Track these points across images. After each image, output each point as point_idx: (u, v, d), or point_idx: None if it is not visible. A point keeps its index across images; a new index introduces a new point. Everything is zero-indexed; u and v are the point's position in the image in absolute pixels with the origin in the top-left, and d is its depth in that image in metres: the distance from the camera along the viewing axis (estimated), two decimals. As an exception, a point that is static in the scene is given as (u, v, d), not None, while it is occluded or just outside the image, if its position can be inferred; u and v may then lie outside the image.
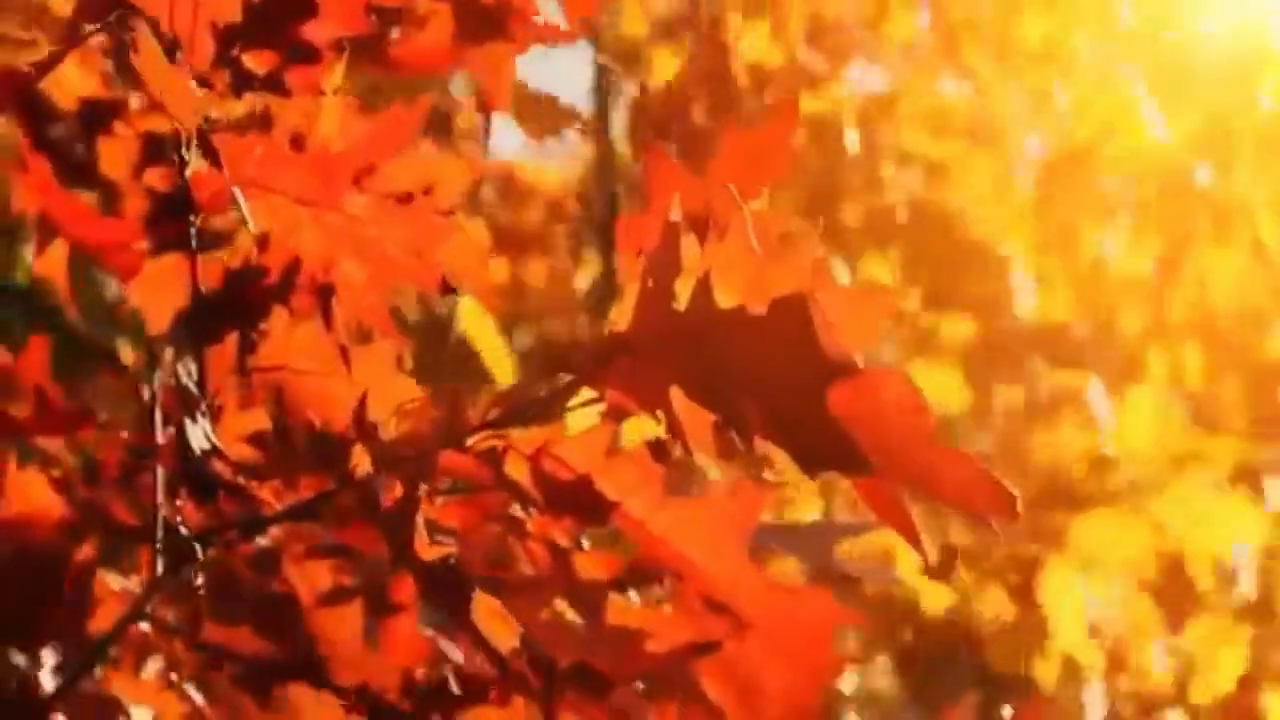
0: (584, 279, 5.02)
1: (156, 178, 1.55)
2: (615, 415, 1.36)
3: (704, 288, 1.14)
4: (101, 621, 1.61)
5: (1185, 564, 4.98)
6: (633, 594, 1.37)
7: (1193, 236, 5.15)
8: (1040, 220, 5.10)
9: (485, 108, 1.78)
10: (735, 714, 1.25)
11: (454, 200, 1.32)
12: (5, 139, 1.68)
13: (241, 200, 1.43)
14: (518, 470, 1.36)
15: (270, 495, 1.54)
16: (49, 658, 1.62)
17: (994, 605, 4.85)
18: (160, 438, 1.58)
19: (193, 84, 1.37)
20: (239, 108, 1.39)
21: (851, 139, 4.75)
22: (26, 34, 1.65)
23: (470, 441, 1.37)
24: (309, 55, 1.33)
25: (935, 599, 4.84)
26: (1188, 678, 4.92)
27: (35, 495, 1.63)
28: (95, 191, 1.58)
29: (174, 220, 1.51)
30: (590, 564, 1.42)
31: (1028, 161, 5.24)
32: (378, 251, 1.34)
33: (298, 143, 1.32)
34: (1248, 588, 5.08)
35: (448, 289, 1.36)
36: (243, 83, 1.41)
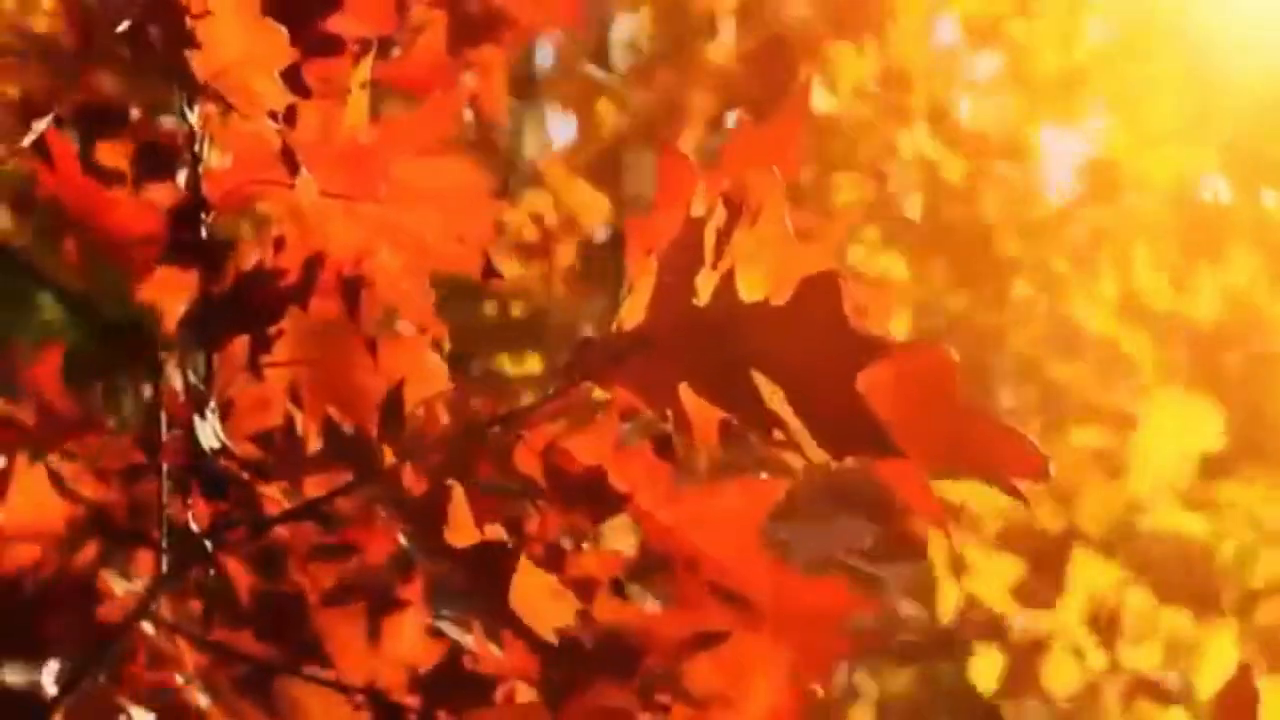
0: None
1: (168, 178, 1.56)
2: (623, 412, 1.37)
3: (728, 280, 1.15)
4: (107, 622, 1.61)
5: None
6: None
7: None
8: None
9: (481, 114, 1.80)
10: (735, 704, 1.26)
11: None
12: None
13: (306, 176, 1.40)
14: (528, 464, 1.37)
15: (278, 494, 1.55)
16: (53, 658, 1.63)
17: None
18: (166, 436, 1.58)
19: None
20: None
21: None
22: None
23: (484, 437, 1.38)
24: (331, 51, 1.34)
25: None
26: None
27: (41, 496, 1.64)
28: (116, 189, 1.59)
29: (187, 218, 1.51)
30: (591, 563, 1.43)
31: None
32: (415, 240, 1.34)
33: (325, 137, 1.33)
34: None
35: (491, 272, 1.36)
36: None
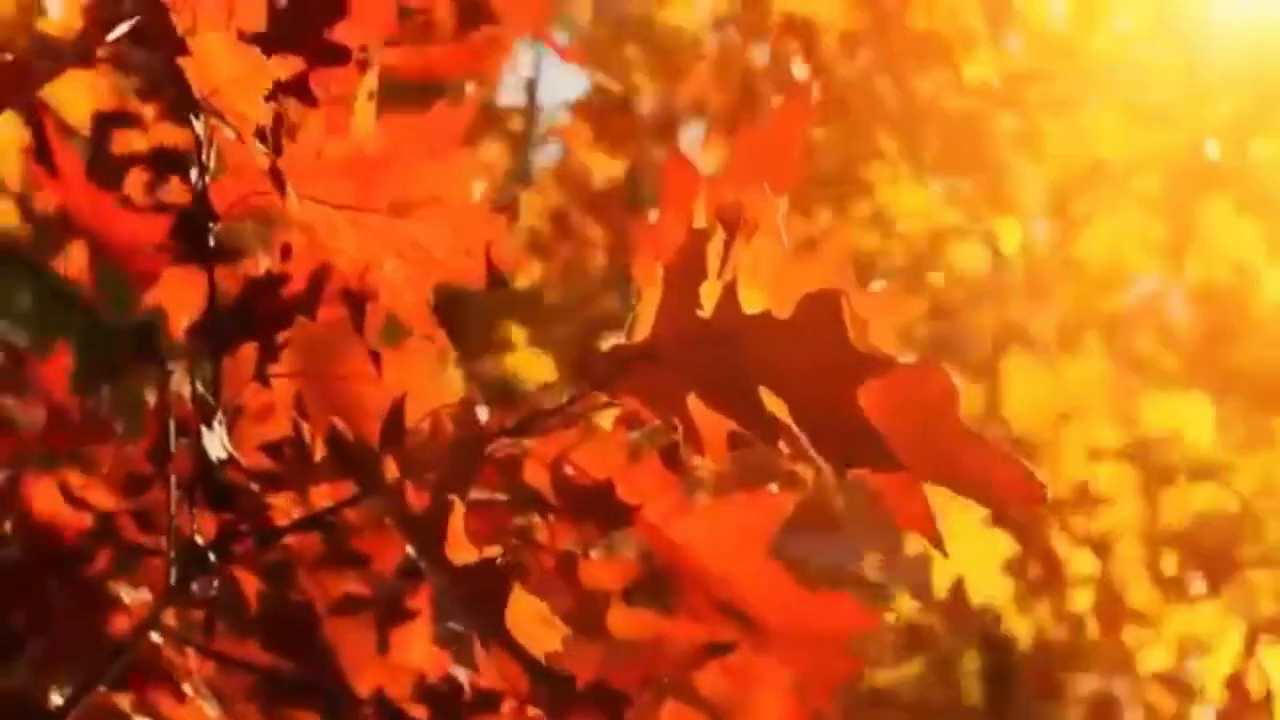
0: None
1: (175, 185, 1.55)
2: (629, 422, 1.37)
3: (730, 292, 1.14)
4: (115, 631, 1.61)
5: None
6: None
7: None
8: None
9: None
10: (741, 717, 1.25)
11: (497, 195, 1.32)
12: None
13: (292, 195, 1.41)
14: (536, 477, 1.37)
15: (286, 504, 1.54)
16: (62, 668, 1.63)
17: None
18: (174, 445, 1.58)
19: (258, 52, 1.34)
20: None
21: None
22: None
23: (489, 449, 1.38)
24: (336, 59, 1.33)
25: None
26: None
27: (51, 505, 1.64)
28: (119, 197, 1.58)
29: (193, 228, 1.51)
30: (600, 573, 1.42)
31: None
32: (422, 251, 1.33)
33: (331, 148, 1.32)
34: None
35: (498, 283, 1.35)
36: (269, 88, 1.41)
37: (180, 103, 1.43)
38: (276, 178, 1.32)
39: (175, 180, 1.59)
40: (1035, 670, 4.90)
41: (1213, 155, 5.21)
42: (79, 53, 1.38)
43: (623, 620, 1.33)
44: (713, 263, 1.15)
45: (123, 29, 1.41)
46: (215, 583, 1.60)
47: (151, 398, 1.54)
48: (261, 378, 1.50)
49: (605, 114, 4.90)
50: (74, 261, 1.64)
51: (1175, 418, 5.03)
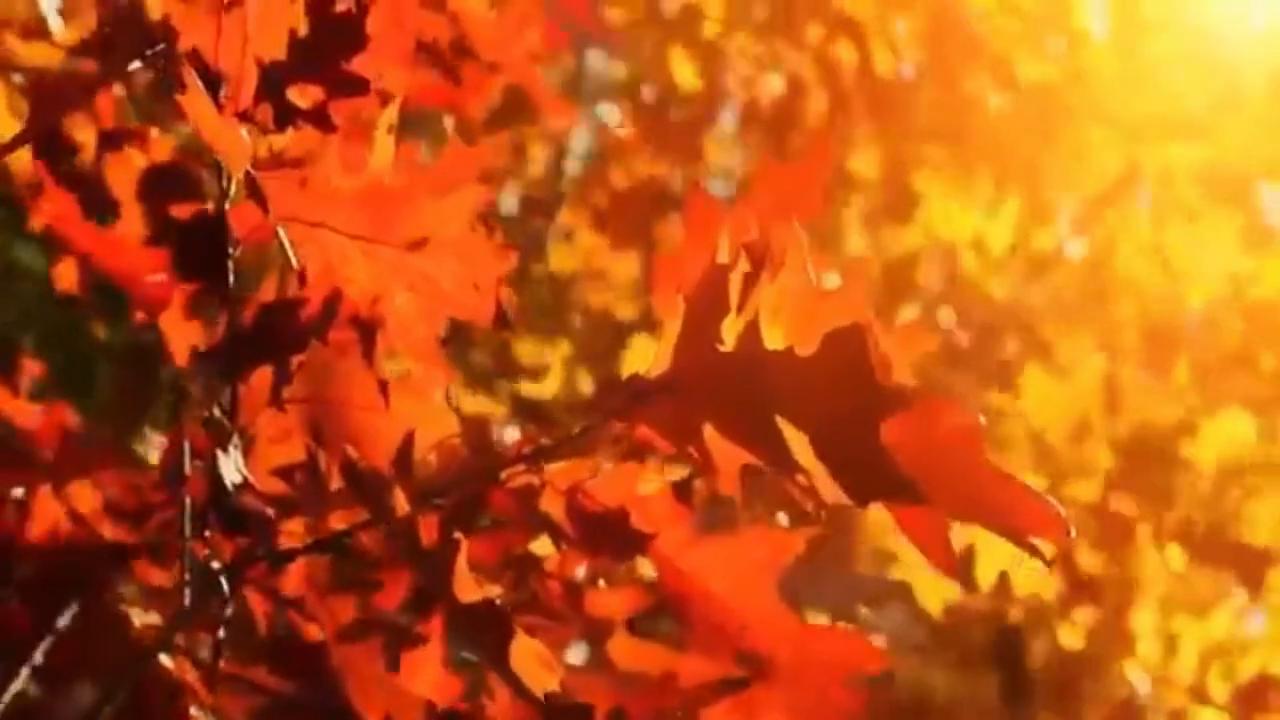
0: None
1: (187, 210, 1.56)
2: (642, 453, 1.37)
3: (753, 327, 1.15)
4: (124, 653, 1.61)
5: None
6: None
7: None
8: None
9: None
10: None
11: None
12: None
13: (284, 235, 1.44)
14: (551, 506, 1.37)
15: (300, 529, 1.55)
16: (74, 688, 1.63)
17: None
18: (189, 469, 1.58)
19: (242, 130, 1.38)
20: (282, 141, 1.40)
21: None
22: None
23: (504, 476, 1.38)
24: (356, 89, 1.34)
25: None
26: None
27: (62, 528, 1.64)
28: (120, 220, 1.59)
29: (209, 251, 1.52)
30: (609, 602, 1.43)
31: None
32: (432, 285, 1.34)
33: (346, 179, 1.33)
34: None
35: (504, 322, 1.36)
36: (287, 117, 1.42)
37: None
38: (259, 199, 1.34)
39: (186, 194, 1.60)
40: (1054, 678, 4.90)
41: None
42: (105, 75, 1.39)
43: (631, 652, 1.33)
44: (735, 297, 1.15)
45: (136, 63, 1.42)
46: (228, 606, 1.60)
47: (150, 423, 1.54)
48: (277, 402, 1.51)
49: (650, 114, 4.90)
50: (63, 279, 1.64)
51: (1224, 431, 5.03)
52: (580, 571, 1.51)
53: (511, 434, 1.44)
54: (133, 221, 1.65)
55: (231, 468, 1.52)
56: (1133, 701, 4.96)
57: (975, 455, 1.08)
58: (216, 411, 1.56)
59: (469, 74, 1.79)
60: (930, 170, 4.65)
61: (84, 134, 1.74)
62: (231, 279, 1.55)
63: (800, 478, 1.14)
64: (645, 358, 1.31)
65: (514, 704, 1.35)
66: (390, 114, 1.31)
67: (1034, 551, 1.09)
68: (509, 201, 4.89)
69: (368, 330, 1.42)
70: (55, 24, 1.99)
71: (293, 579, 1.62)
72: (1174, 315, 5.23)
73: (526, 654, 1.21)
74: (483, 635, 1.23)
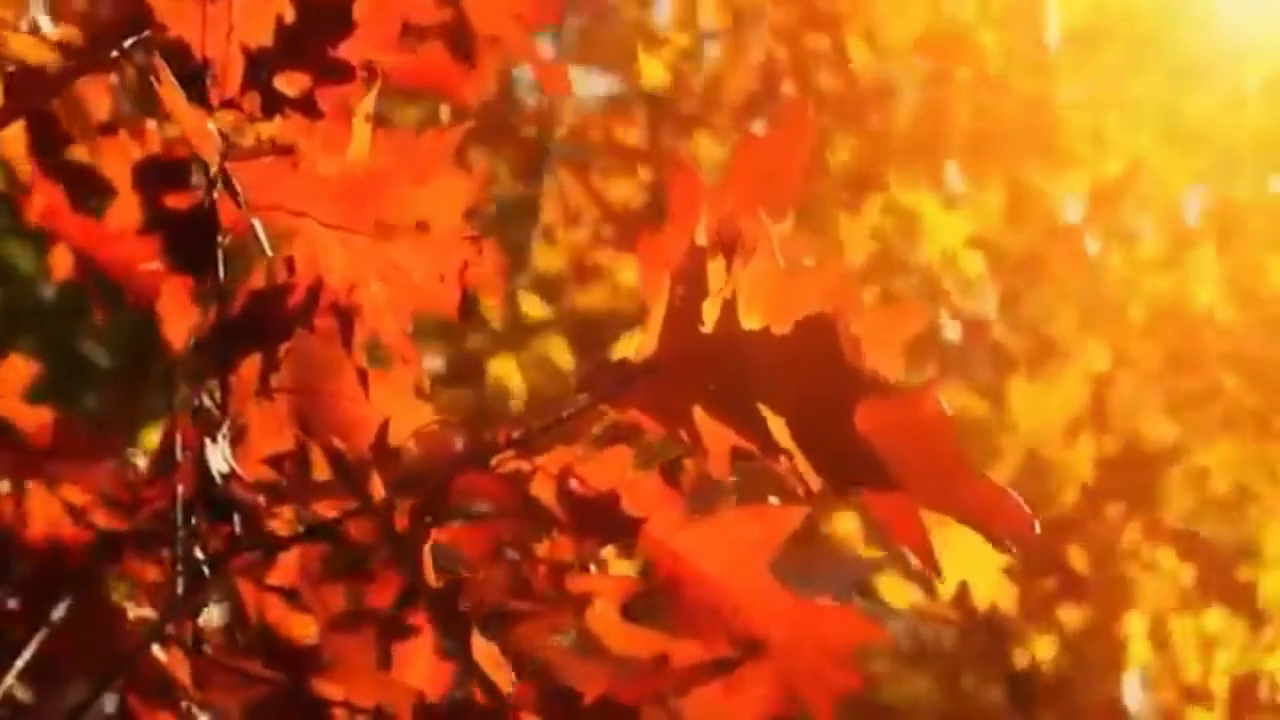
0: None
1: (180, 199, 1.56)
2: (633, 435, 1.37)
3: (729, 310, 1.15)
4: (118, 644, 1.60)
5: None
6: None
7: None
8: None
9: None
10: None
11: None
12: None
13: (258, 225, 1.44)
14: (542, 491, 1.37)
15: (290, 517, 1.54)
16: (66, 679, 1.62)
17: None
18: (180, 459, 1.58)
19: (211, 125, 1.38)
20: (269, 129, 1.39)
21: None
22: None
23: (494, 462, 1.38)
24: (342, 76, 1.34)
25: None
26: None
27: (55, 519, 1.63)
28: (109, 209, 1.58)
29: (198, 241, 1.51)
30: (599, 588, 1.42)
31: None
32: (403, 275, 1.34)
33: (326, 167, 1.32)
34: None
35: (468, 312, 1.36)
36: (274, 105, 1.42)
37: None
38: (231, 190, 1.34)
39: (178, 184, 1.59)
40: (1055, 685, 4.90)
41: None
42: (87, 65, 1.38)
43: (623, 636, 1.33)
44: (713, 279, 1.15)
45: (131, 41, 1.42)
46: (210, 596, 1.59)
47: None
48: (265, 391, 1.50)
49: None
50: (58, 268, 1.64)
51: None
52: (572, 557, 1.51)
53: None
54: (126, 211, 1.65)
55: (219, 457, 1.51)
56: (1123, 703, 4.96)
57: (945, 447, 1.08)
58: (206, 401, 1.55)
59: (465, 53, 1.78)
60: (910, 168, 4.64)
61: (79, 125, 1.74)
62: (221, 268, 1.55)
63: (785, 461, 1.14)
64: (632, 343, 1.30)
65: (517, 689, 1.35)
66: (368, 101, 1.31)
67: (1001, 545, 1.09)
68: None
69: (346, 319, 1.41)
70: (43, 20, 1.98)
71: (285, 569, 1.62)
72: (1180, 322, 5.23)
73: (481, 654, 1.21)
74: (451, 625, 1.23)
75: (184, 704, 1.68)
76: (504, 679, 1.27)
